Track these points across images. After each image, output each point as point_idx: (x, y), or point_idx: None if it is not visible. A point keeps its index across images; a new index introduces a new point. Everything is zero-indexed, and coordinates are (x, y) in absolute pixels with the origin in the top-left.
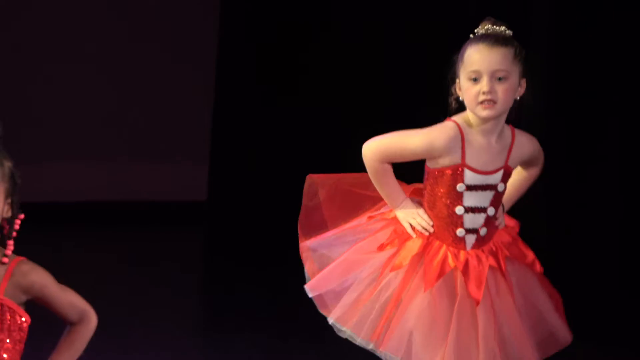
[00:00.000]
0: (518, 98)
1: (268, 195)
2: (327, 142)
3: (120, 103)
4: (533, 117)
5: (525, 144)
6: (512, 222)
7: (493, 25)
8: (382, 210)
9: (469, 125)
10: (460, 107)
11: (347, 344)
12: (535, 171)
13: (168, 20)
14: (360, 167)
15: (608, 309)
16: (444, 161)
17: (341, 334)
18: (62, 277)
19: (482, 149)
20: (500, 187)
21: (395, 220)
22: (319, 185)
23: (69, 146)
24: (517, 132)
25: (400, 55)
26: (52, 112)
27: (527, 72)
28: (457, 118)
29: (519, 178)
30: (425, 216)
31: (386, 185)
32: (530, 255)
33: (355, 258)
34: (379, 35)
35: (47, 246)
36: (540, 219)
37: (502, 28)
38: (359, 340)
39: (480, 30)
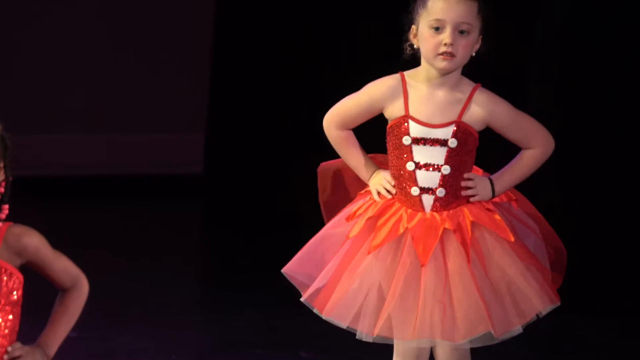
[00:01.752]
0: (474, 54)
1: (266, 167)
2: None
3: (115, 75)
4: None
5: (485, 101)
6: (506, 197)
7: None
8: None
9: (416, 76)
10: (414, 54)
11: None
12: (531, 153)
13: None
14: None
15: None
16: (390, 113)
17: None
18: (58, 250)
19: (426, 99)
20: (451, 143)
21: (370, 193)
22: (327, 178)
23: (64, 119)
24: (481, 89)
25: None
26: (46, 82)
27: (486, 29)
28: (407, 72)
29: (517, 158)
30: (389, 177)
31: (352, 155)
32: (502, 225)
33: (326, 233)
34: (380, 30)
35: (42, 220)
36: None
37: None
38: (315, 310)
39: None
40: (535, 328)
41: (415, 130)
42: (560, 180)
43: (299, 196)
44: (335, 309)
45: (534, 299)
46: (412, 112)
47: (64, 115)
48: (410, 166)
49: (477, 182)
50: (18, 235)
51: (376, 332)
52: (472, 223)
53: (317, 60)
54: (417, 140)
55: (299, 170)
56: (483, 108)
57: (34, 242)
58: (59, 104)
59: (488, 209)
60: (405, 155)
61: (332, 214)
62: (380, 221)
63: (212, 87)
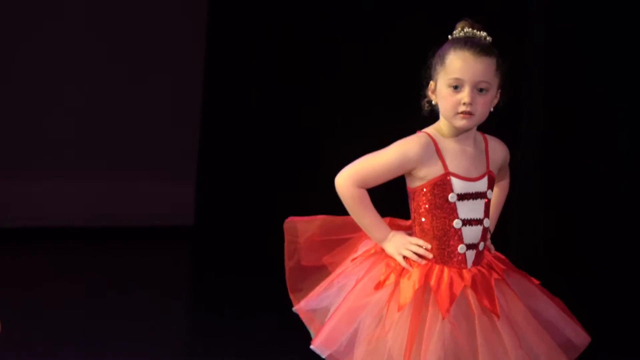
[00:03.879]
0: (492, 109)
1: (256, 218)
2: (314, 163)
3: (103, 124)
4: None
5: (498, 147)
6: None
7: (472, 28)
8: (363, 249)
9: (442, 133)
10: (433, 111)
11: None
12: (506, 183)
13: (154, 38)
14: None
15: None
16: (424, 173)
17: None
18: (47, 301)
19: (460, 155)
20: (489, 195)
21: (383, 254)
22: (296, 242)
23: (52, 168)
24: (488, 137)
25: (400, 66)
26: (34, 131)
27: (504, 84)
28: (428, 129)
29: (495, 195)
30: (421, 241)
31: (366, 215)
32: (522, 271)
33: (355, 304)
34: (374, 43)
35: (30, 271)
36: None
37: (484, 34)
38: None
39: (458, 32)
40: None
41: (459, 186)
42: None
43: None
44: None
45: (575, 338)
46: (451, 169)
47: (52, 163)
48: (457, 224)
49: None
50: None
51: None
52: (504, 271)
53: (308, 113)
54: (461, 197)
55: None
56: (500, 154)
57: None
58: (47, 153)
59: (500, 256)
60: (450, 214)
61: (297, 280)
62: (432, 283)
63: (203, 138)
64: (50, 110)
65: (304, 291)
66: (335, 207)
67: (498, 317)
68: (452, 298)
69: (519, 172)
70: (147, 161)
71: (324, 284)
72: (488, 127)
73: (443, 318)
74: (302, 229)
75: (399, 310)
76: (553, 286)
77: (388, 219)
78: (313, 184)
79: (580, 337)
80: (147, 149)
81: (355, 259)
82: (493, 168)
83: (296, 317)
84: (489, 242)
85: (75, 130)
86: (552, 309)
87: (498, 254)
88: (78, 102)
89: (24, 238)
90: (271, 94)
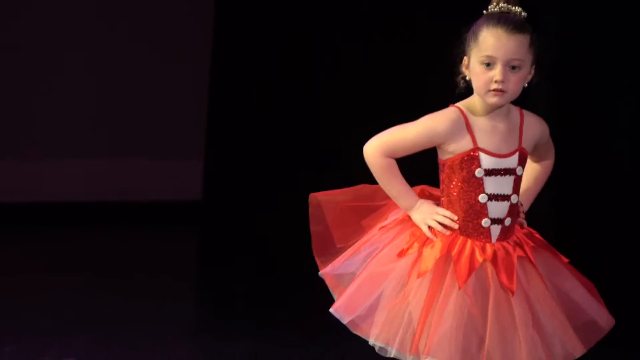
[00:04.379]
0: (526, 85)
1: (265, 194)
2: (325, 140)
3: (112, 100)
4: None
5: (535, 124)
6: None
7: (507, 3)
8: (392, 218)
9: (473, 109)
10: (467, 86)
11: (343, 349)
12: (548, 163)
13: (162, 16)
14: (358, 166)
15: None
16: (454, 147)
17: (383, 353)
18: (53, 278)
19: (490, 131)
20: (519, 171)
21: (410, 223)
22: (323, 208)
23: (62, 145)
24: (526, 112)
25: (404, 59)
26: (42, 110)
27: (538, 59)
28: (460, 104)
29: (533, 172)
30: (447, 212)
31: (395, 184)
32: (553, 248)
33: (378, 271)
34: (380, 35)
35: (39, 246)
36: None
37: (519, 9)
38: (394, 353)
39: (494, 7)
40: None
41: (487, 162)
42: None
43: (297, 223)
44: (437, 350)
45: (601, 319)
46: (480, 144)
47: (61, 139)
48: (483, 198)
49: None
50: None
51: None
52: (533, 248)
53: (318, 90)
54: (488, 172)
55: (299, 197)
56: (535, 131)
57: None
58: (56, 129)
59: (534, 234)
60: (476, 188)
61: (324, 244)
62: (453, 254)
63: (211, 114)
64: (53, 85)
65: (329, 256)
66: (350, 181)
67: (512, 293)
68: (471, 269)
69: None
70: (154, 137)
71: (351, 250)
72: None
73: (459, 288)
74: (328, 196)
75: (418, 277)
76: None
77: (421, 187)
78: (325, 160)
79: (604, 319)
80: (154, 125)
81: (383, 226)
82: (526, 145)
83: (307, 294)
84: (521, 218)
85: (81, 106)
86: (578, 289)
87: (531, 230)
88: (85, 78)
89: (27, 214)
90: (281, 70)
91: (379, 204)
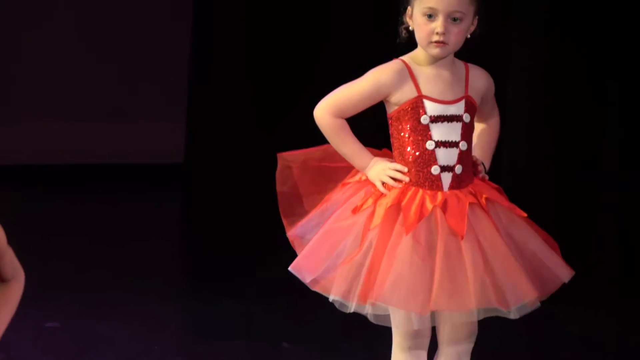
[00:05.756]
0: (469, 36)
1: (247, 158)
2: (307, 102)
3: (94, 63)
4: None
5: (481, 75)
6: (495, 186)
7: None
8: (357, 177)
9: (417, 60)
10: (410, 36)
11: (329, 307)
12: (495, 121)
13: None
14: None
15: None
16: (398, 98)
17: (344, 309)
18: (31, 241)
19: (434, 79)
20: (466, 118)
21: (367, 181)
22: (291, 168)
23: (44, 107)
24: (471, 65)
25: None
26: (28, 72)
27: (481, 9)
28: (404, 56)
29: (483, 132)
30: (398, 166)
31: (347, 143)
32: (512, 203)
33: (334, 227)
34: (372, 34)
35: (23, 208)
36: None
37: None
38: (354, 307)
39: None
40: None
41: (432, 108)
42: (538, 176)
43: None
44: (386, 294)
45: (557, 269)
46: (425, 92)
47: (41, 103)
48: (430, 145)
49: (479, 161)
50: None
51: (433, 306)
52: (487, 199)
53: (302, 49)
54: (434, 119)
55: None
56: (481, 82)
57: None
58: (37, 93)
59: (492, 187)
60: (424, 136)
61: (290, 205)
62: (403, 204)
63: (192, 77)
64: (35, 49)
65: (296, 217)
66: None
67: (462, 237)
68: (420, 217)
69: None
70: (136, 101)
71: (314, 211)
72: None
73: (406, 234)
74: (296, 155)
75: (369, 230)
76: None
77: (384, 150)
78: (303, 120)
79: (562, 270)
80: (136, 88)
81: (345, 183)
82: (474, 94)
83: (288, 257)
84: (479, 169)
85: (63, 68)
86: (535, 240)
87: (491, 183)
88: (67, 40)
89: (6, 175)
90: (262, 37)
91: (346, 165)
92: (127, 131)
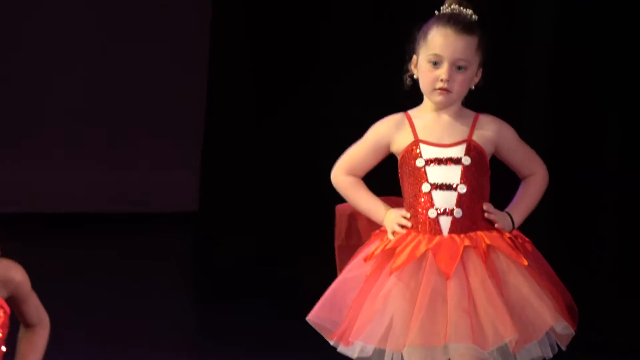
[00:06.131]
0: (473, 87)
1: (261, 205)
2: (320, 149)
3: (110, 111)
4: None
5: (491, 121)
6: (520, 238)
7: (459, 5)
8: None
9: (420, 110)
10: (414, 85)
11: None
12: (536, 177)
13: (161, 22)
14: None
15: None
16: (398, 145)
17: (350, 354)
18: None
19: (432, 124)
20: (465, 161)
21: (384, 231)
22: (342, 222)
23: (58, 153)
24: (483, 114)
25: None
26: (39, 119)
27: (486, 61)
28: (410, 110)
29: (522, 188)
30: (403, 212)
31: (361, 199)
32: (517, 251)
33: (344, 277)
34: (376, 42)
35: (36, 255)
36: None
37: (469, 11)
38: (339, 348)
39: (445, 8)
40: None
41: (428, 151)
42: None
43: (294, 234)
44: (363, 333)
45: (546, 313)
46: (421, 137)
47: (58, 149)
48: (425, 187)
49: (497, 212)
50: (6, 268)
51: (407, 342)
52: (488, 245)
53: (316, 100)
54: (430, 162)
55: (295, 209)
56: (491, 128)
57: (19, 277)
58: (53, 140)
59: (503, 236)
60: (420, 178)
61: (346, 258)
62: (399, 249)
63: (208, 125)
64: (48, 96)
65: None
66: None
67: (447, 277)
68: (410, 259)
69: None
70: (151, 148)
71: (351, 261)
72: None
73: (390, 273)
74: (348, 210)
75: (369, 274)
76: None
77: (395, 198)
78: (316, 169)
79: (552, 316)
80: (150, 136)
81: (374, 234)
82: (479, 139)
83: (300, 308)
84: (495, 217)
85: (79, 116)
86: (530, 288)
87: (518, 238)
88: (82, 88)
89: (21, 223)
90: (273, 83)
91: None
92: (143, 179)
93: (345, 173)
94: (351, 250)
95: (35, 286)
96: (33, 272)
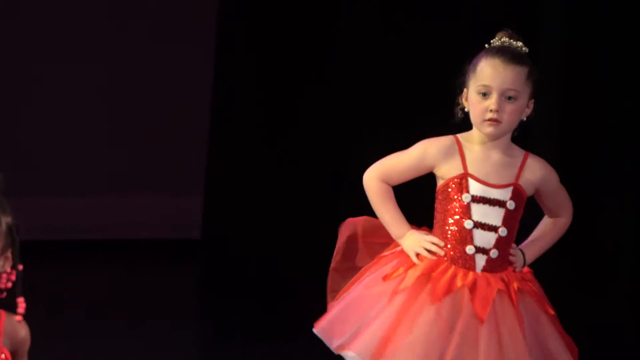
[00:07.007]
0: (524, 119)
1: (265, 233)
2: (325, 175)
3: (112, 137)
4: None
5: (538, 166)
6: (525, 269)
7: (510, 38)
8: (393, 250)
9: (470, 139)
10: (465, 117)
11: None
12: (561, 222)
13: (163, 48)
14: (358, 197)
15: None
16: (444, 171)
17: None
18: (49, 315)
19: (482, 160)
20: (510, 205)
21: (401, 253)
22: (357, 239)
23: (59, 182)
24: (531, 155)
25: (406, 77)
26: (41, 146)
27: (537, 94)
28: (460, 134)
29: (543, 225)
30: (435, 239)
31: (388, 209)
32: (544, 298)
33: (363, 294)
34: (382, 58)
35: (37, 284)
36: None
37: (519, 44)
38: (337, 353)
39: (496, 41)
40: None
41: (475, 188)
42: None
43: (299, 262)
44: (398, 355)
45: None
46: (471, 170)
47: (59, 176)
48: (468, 224)
49: (517, 253)
50: (16, 325)
51: None
52: (518, 289)
53: (318, 127)
54: (476, 199)
55: (300, 236)
56: (537, 173)
57: (24, 335)
58: (54, 169)
59: (527, 280)
60: (464, 214)
61: (337, 281)
62: (435, 274)
63: (211, 150)
64: (53, 126)
65: (338, 292)
66: (352, 215)
67: (482, 322)
68: (447, 290)
69: None
70: (153, 174)
71: (352, 284)
72: None
73: (432, 304)
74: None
75: (397, 294)
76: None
77: (423, 228)
78: (327, 198)
79: None
80: (152, 162)
81: (381, 256)
82: (526, 185)
83: (307, 338)
84: (515, 258)
85: (80, 143)
86: (555, 341)
87: (527, 275)
88: (85, 115)
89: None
90: (280, 105)
91: (383, 241)
92: (146, 205)
93: (380, 179)
94: (345, 273)
95: (33, 311)
96: (29, 298)
